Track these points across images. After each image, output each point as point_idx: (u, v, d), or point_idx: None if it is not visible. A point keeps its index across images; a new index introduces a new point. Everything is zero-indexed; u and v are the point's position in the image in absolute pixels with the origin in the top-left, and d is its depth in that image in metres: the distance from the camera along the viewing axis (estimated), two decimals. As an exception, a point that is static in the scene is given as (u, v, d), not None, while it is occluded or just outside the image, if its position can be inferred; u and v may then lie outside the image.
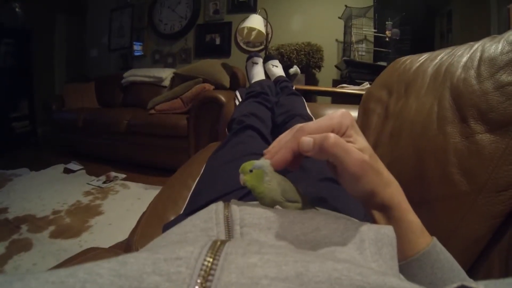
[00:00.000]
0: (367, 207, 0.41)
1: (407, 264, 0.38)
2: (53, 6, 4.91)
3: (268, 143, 0.98)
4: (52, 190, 2.53)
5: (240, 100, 1.45)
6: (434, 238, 0.39)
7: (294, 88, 1.63)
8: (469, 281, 0.21)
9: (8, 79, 4.25)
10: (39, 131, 4.67)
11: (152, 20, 4.37)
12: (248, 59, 2.03)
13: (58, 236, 1.82)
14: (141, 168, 3.04)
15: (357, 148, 0.36)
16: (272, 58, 2.07)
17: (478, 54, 0.71)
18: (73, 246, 1.72)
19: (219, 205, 0.39)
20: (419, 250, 0.38)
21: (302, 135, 0.36)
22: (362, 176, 0.36)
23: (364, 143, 0.38)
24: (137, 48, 4.52)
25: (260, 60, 2.00)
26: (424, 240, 0.39)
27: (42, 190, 2.51)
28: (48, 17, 4.90)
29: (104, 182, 2.67)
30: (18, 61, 4.40)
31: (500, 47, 0.65)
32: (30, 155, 3.78)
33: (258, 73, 1.89)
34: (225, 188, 0.66)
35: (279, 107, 1.29)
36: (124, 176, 2.84)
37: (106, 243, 1.71)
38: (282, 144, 0.38)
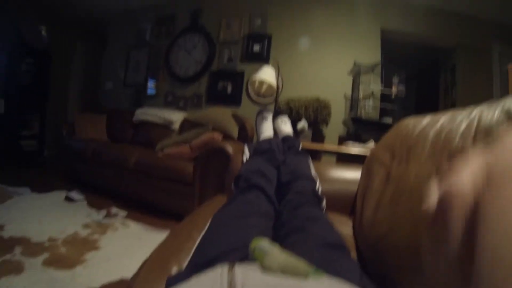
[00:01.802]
0: None
1: None
2: (77, 34, 5.23)
3: (272, 203, 1.03)
4: (51, 216, 2.50)
5: (248, 155, 1.50)
6: None
7: (300, 146, 1.69)
8: None
9: (24, 96, 4.41)
10: (46, 153, 4.75)
11: (168, 61, 4.53)
12: (258, 114, 2.10)
13: (51, 265, 1.77)
14: (143, 208, 3.01)
15: None
16: (282, 114, 2.15)
17: (475, 123, 0.75)
18: (66, 278, 1.67)
19: (224, 269, 0.42)
20: None
21: None
22: None
23: None
24: (151, 86, 4.64)
25: (269, 116, 2.06)
26: None
27: (42, 214, 2.49)
28: (70, 44, 5.20)
29: (105, 217, 2.63)
30: (36, 81, 4.58)
31: (495, 117, 0.69)
32: (34, 175, 3.79)
33: (267, 129, 1.96)
34: (229, 246, 0.69)
35: (285, 166, 1.33)
36: (125, 213, 2.80)
37: (100, 280, 1.68)
38: None
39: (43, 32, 4.58)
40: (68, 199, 2.98)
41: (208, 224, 0.86)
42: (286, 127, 2.04)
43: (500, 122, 0.67)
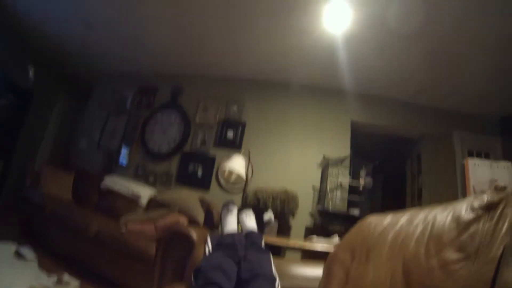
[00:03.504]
0: None
1: None
2: (62, 85, 5.24)
3: None
4: None
5: (210, 248, 1.50)
6: None
7: (263, 242, 1.70)
8: None
9: None
10: (4, 196, 4.43)
11: (143, 134, 4.54)
12: (223, 206, 2.13)
13: None
14: (98, 279, 2.76)
15: None
16: (247, 209, 2.18)
17: (429, 228, 0.79)
18: None
19: None
20: None
21: None
22: None
23: None
24: (124, 154, 4.58)
25: (235, 209, 2.10)
26: None
27: None
28: (54, 92, 5.15)
29: (55, 283, 2.40)
30: (11, 119, 4.38)
31: (447, 224, 0.75)
32: None
33: (231, 223, 1.98)
34: None
35: (246, 262, 1.34)
36: (77, 283, 2.56)
37: None
38: None
39: (30, 72, 4.54)
40: (19, 254, 2.71)
41: None
42: (250, 221, 2.06)
43: (451, 229, 0.72)
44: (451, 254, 0.66)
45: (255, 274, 1.19)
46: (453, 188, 3.59)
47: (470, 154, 3.65)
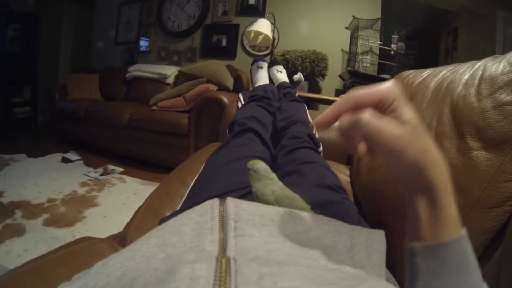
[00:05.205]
0: (410, 193, 0.36)
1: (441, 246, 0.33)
2: None
3: (267, 147, 1.00)
4: (49, 178, 2.51)
5: (243, 103, 1.46)
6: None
7: (297, 94, 1.64)
8: None
9: (13, 64, 4.26)
10: (40, 118, 4.70)
11: (160, 17, 4.37)
12: (253, 62, 2.04)
13: (51, 224, 1.82)
14: (139, 163, 3.03)
15: (403, 120, 0.34)
16: (277, 63, 2.09)
17: (480, 72, 0.72)
18: (66, 235, 1.72)
19: (215, 201, 0.40)
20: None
21: (348, 101, 0.36)
22: (401, 152, 0.32)
23: (410, 114, 0.35)
24: (144, 43, 4.51)
25: (265, 65, 2.00)
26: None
27: (39, 178, 2.49)
28: (58, 5, 4.94)
29: (101, 174, 2.66)
30: (24, 47, 4.40)
31: (501, 67, 0.66)
32: (29, 142, 3.77)
33: (262, 77, 1.90)
34: (223, 187, 0.68)
35: (280, 112, 1.30)
36: (121, 170, 2.83)
37: (99, 235, 1.69)
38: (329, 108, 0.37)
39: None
40: (65, 160, 2.97)
41: (201, 169, 0.85)
42: (282, 75, 1.99)
43: (506, 72, 0.64)
44: (507, 96, 0.60)
45: (291, 121, 1.14)
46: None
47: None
